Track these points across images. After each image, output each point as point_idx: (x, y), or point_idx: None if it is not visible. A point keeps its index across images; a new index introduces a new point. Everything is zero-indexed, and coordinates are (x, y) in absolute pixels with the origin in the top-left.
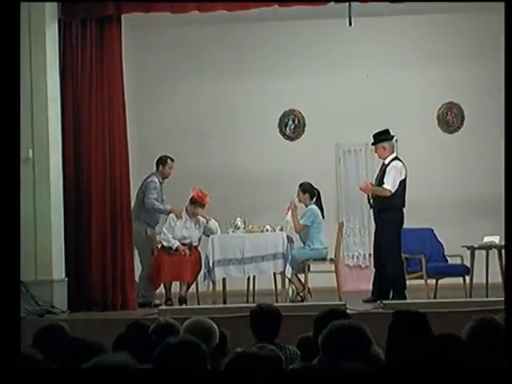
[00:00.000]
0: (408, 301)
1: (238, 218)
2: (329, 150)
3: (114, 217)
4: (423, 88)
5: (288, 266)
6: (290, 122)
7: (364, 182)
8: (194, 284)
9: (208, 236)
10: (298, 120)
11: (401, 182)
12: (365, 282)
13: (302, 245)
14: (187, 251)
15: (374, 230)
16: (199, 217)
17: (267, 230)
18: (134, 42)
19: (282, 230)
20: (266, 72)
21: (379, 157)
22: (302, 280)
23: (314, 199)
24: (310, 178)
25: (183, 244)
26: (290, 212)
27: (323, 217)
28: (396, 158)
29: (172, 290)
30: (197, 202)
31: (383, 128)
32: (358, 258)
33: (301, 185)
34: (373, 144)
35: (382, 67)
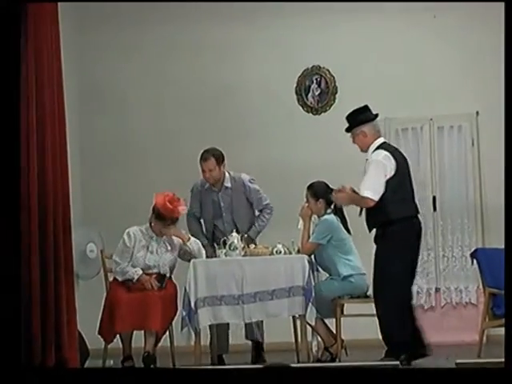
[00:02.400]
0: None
1: (234, 234)
2: None
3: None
4: None
5: (311, 306)
6: (314, 86)
7: (340, 186)
8: (168, 335)
9: (188, 261)
10: (326, 82)
11: (388, 181)
12: (429, 331)
13: (328, 275)
14: (155, 283)
15: (442, 252)
16: (171, 233)
17: (279, 252)
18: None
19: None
20: (278, 10)
21: (360, 148)
22: (333, 328)
23: (332, 207)
24: (344, 171)
25: (148, 274)
26: (301, 221)
27: (349, 231)
28: (380, 147)
29: (133, 343)
30: (165, 219)
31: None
32: (418, 294)
33: (310, 186)
34: (347, 130)
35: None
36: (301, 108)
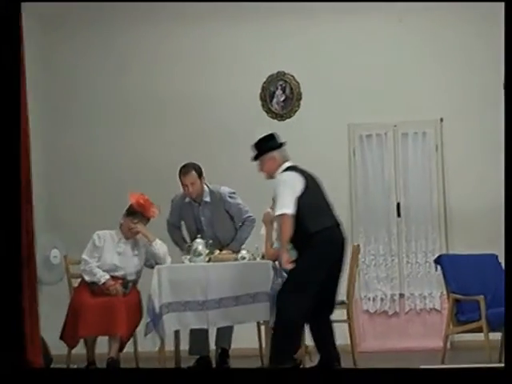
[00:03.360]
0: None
1: (199, 239)
2: (338, 135)
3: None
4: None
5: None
6: (279, 92)
7: (267, 210)
8: (132, 340)
9: (152, 267)
10: (291, 89)
11: (300, 198)
12: (393, 337)
13: None
14: (120, 289)
15: (406, 258)
16: (138, 237)
17: (243, 258)
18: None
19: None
20: (242, 16)
21: (268, 175)
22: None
23: None
24: None
25: (114, 278)
26: (263, 226)
27: None
28: (286, 169)
29: (97, 349)
30: (136, 213)
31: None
32: (382, 300)
33: None
34: (256, 157)
35: (423, 9)
36: (265, 114)
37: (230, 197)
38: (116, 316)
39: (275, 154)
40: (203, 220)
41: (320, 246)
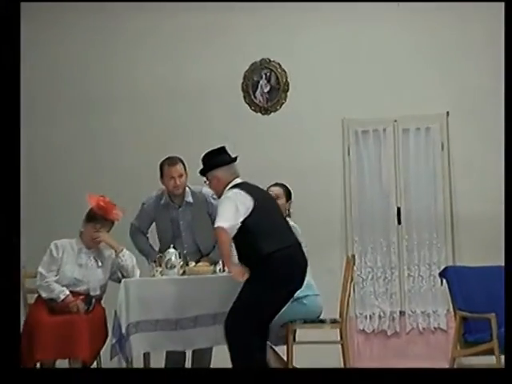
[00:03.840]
0: None
1: (172, 250)
2: (331, 131)
3: None
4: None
5: None
6: (263, 82)
7: None
8: (95, 364)
9: (119, 281)
10: (277, 78)
11: (248, 218)
12: (393, 360)
13: None
14: (82, 306)
15: (408, 271)
16: (102, 247)
17: (222, 271)
18: None
19: None
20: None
21: (215, 193)
22: (284, 356)
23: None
24: (297, 177)
25: (75, 293)
26: None
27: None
28: (233, 186)
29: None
30: (98, 218)
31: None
32: (380, 318)
33: (282, 185)
34: (201, 173)
35: None
36: (248, 107)
37: (213, 198)
38: (77, 337)
39: (219, 172)
40: (182, 224)
41: (276, 267)
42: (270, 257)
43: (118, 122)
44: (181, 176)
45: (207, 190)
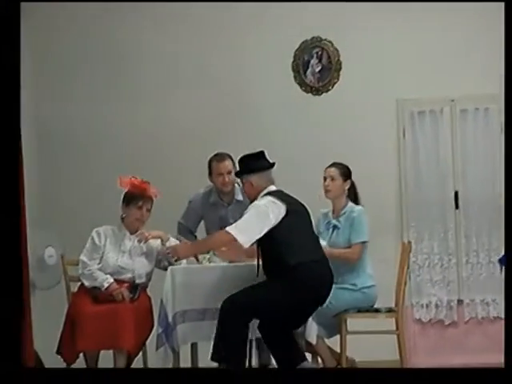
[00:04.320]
0: None
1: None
2: (385, 112)
3: None
4: None
5: (311, 322)
6: (314, 61)
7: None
8: (141, 355)
9: (165, 269)
10: (329, 57)
11: (278, 225)
12: (450, 351)
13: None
14: (126, 294)
15: (466, 257)
16: (147, 234)
17: None
18: None
19: None
20: None
21: (248, 198)
22: (335, 348)
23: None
24: (350, 160)
25: (119, 282)
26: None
27: None
28: (268, 194)
29: (100, 364)
30: (137, 197)
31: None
32: (437, 307)
33: (336, 164)
34: (237, 175)
35: None
36: (298, 87)
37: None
38: (122, 327)
39: (254, 177)
40: (231, 223)
41: (299, 280)
42: (295, 269)
43: (166, 104)
44: (229, 173)
45: None
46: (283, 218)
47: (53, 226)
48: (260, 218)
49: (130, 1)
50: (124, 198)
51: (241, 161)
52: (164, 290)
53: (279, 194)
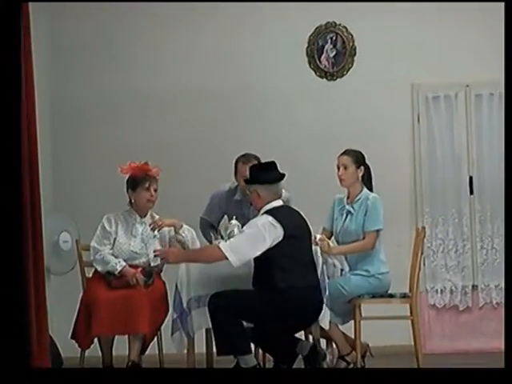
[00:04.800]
0: None
1: (234, 221)
2: (399, 97)
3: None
4: None
5: (324, 308)
6: (329, 46)
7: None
8: (156, 340)
9: None
10: (343, 42)
11: (272, 248)
12: (465, 336)
13: (347, 269)
14: (141, 279)
15: (480, 243)
16: (160, 222)
17: None
18: None
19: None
20: None
21: (255, 207)
22: (349, 334)
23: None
24: (363, 146)
25: (133, 267)
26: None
27: None
28: (270, 211)
29: (115, 350)
30: (142, 179)
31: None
32: (452, 292)
33: (348, 152)
34: (246, 182)
35: None
36: (313, 72)
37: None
38: (137, 311)
39: (261, 189)
40: None
41: (285, 303)
42: (284, 292)
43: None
44: None
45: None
46: (280, 242)
47: (68, 212)
48: (255, 240)
49: (131, 1)
50: (129, 184)
51: (251, 169)
52: (178, 276)
53: (282, 214)
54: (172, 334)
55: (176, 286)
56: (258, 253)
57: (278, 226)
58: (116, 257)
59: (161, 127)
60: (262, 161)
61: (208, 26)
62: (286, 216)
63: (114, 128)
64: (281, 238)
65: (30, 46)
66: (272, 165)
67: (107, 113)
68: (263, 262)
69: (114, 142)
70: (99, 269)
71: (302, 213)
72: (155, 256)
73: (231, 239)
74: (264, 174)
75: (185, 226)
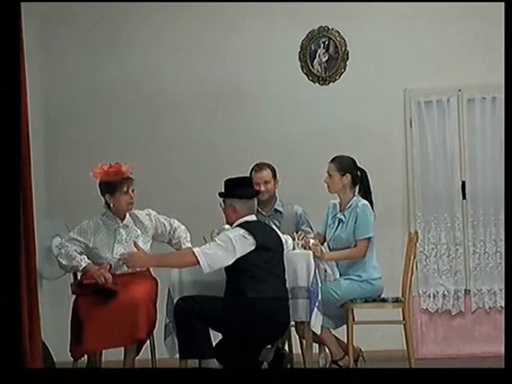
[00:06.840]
0: None
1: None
2: (392, 102)
3: None
4: None
5: (316, 312)
6: (321, 51)
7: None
8: (148, 343)
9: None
10: (336, 47)
11: (244, 257)
12: (457, 340)
13: (337, 275)
14: (108, 276)
15: (473, 247)
16: (138, 214)
17: (287, 243)
18: None
19: (305, 247)
20: None
21: (226, 221)
22: (342, 338)
23: (357, 188)
24: (356, 150)
25: (126, 276)
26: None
27: None
28: (242, 224)
29: (105, 355)
30: (118, 182)
31: None
32: (445, 297)
33: (334, 159)
34: (220, 195)
35: None
36: (305, 77)
37: (303, 212)
38: (134, 319)
39: (238, 203)
40: None
41: (252, 314)
42: (253, 302)
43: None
44: (266, 183)
45: (298, 207)
46: (251, 252)
47: (60, 217)
48: (226, 250)
49: (130, 1)
50: (105, 188)
51: (227, 183)
52: (171, 281)
53: (254, 227)
54: (165, 338)
55: (169, 291)
56: (229, 262)
57: (250, 237)
58: (96, 262)
59: (156, 128)
60: (259, 162)
61: (202, 30)
62: (258, 229)
63: (108, 132)
64: (253, 248)
65: (22, 45)
66: (248, 180)
67: (100, 116)
68: (234, 272)
69: (107, 146)
70: (63, 263)
71: (275, 229)
72: (118, 260)
73: (205, 245)
74: (243, 189)
75: (176, 222)
